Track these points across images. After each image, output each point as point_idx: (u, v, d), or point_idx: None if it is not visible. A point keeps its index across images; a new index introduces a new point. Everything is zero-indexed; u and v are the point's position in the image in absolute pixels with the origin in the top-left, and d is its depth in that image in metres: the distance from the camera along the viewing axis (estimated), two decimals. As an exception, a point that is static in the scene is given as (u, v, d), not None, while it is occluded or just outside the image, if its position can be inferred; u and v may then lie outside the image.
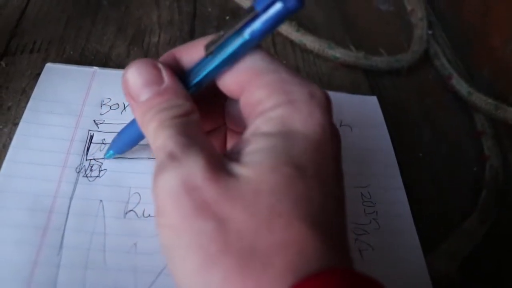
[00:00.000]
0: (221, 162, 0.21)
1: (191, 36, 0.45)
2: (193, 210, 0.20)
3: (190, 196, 0.20)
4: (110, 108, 0.37)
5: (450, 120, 0.47)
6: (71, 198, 0.32)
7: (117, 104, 0.37)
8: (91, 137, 0.35)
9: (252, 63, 0.24)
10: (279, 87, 0.23)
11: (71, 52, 0.41)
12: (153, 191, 0.21)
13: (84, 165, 0.33)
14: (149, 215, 0.32)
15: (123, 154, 0.34)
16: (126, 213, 0.32)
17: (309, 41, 0.46)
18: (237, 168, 0.21)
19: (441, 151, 0.43)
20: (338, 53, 0.46)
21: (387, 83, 0.47)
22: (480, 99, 0.46)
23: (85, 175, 0.33)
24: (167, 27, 0.46)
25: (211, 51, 0.24)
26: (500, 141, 0.45)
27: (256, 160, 0.21)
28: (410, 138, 0.43)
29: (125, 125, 0.31)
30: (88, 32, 0.43)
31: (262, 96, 0.23)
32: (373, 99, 0.43)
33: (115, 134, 0.35)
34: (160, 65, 0.25)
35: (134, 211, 0.32)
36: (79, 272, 0.29)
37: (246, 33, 0.22)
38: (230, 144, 0.31)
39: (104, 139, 0.35)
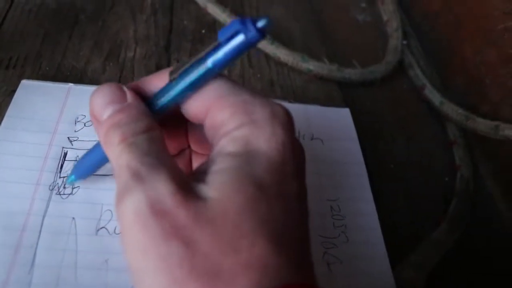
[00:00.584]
0: (188, 184, 0.21)
1: (167, 50, 0.46)
2: (161, 234, 0.20)
3: (158, 220, 0.20)
4: (85, 125, 0.38)
5: (423, 130, 0.48)
6: (44, 216, 0.32)
7: (91, 121, 0.38)
8: (65, 154, 0.36)
9: (214, 88, 0.24)
10: (242, 107, 0.23)
11: (47, 68, 0.41)
12: (117, 212, 0.21)
13: (58, 183, 0.34)
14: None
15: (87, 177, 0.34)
16: (98, 230, 0.32)
17: (283, 54, 0.47)
18: (204, 190, 0.21)
19: (413, 161, 0.44)
20: (311, 65, 0.46)
21: (361, 94, 0.48)
22: (451, 109, 0.46)
23: (58, 193, 0.33)
24: (143, 41, 0.46)
25: (174, 77, 0.25)
26: (471, 151, 0.46)
27: (221, 180, 0.21)
28: (383, 149, 0.44)
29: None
30: (65, 47, 0.44)
31: (225, 118, 0.23)
32: (346, 111, 0.44)
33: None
34: (125, 88, 0.25)
35: (106, 228, 0.32)
36: (50, 290, 0.29)
37: (209, 62, 0.23)
38: (195, 166, 0.31)
39: (78, 156, 0.36)
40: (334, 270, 0.34)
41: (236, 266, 0.19)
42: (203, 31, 0.49)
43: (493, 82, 0.45)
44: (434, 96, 0.48)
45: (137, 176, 0.21)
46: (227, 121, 0.23)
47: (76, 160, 0.35)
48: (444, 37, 0.52)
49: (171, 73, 0.25)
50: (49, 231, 0.32)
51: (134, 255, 0.21)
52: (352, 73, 0.47)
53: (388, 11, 0.56)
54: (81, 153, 0.36)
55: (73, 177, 0.33)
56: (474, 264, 0.39)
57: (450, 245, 0.39)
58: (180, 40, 0.47)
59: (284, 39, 0.50)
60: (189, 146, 0.31)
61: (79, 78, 0.41)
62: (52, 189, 0.34)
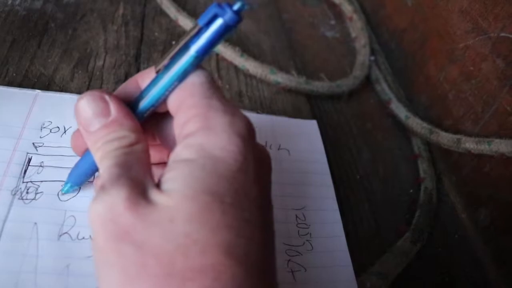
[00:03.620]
0: (144, 191, 0.22)
1: (137, 60, 0.46)
2: (115, 234, 0.21)
3: (112, 223, 0.21)
4: (50, 131, 0.37)
5: (389, 143, 0.49)
6: (4, 221, 0.32)
7: (58, 127, 0.38)
8: (29, 159, 0.35)
9: (191, 85, 0.25)
10: (203, 112, 0.24)
11: (14, 74, 0.41)
12: (88, 214, 0.23)
13: (20, 188, 0.33)
14: (83, 238, 0.32)
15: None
16: (60, 236, 0.32)
17: (252, 66, 0.47)
18: (156, 196, 0.22)
19: (378, 173, 0.45)
20: (280, 78, 0.47)
21: (329, 107, 0.49)
22: (416, 124, 0.48)
23: (20, 198, 0.33)
24: (113, 51, 0.46)
25: (159, 69, 0.25)
26: (435, 164, 0.48)
27: (174, 187, 0.22)
28: (349, 160, 0.45)
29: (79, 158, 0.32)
30: (33, 54, 0.43)
31: (186, 119, 0.24)
32: (313, 123, 0.45)
33: (54, 157, 0.36)
34: (107, 98, 0.26)
35: (69, 234, 0.32)
36: (8, 295, 0.29)
37: (192, 50, 0.24)
38: None
39: (43, 162, 0.35)
40: (298, 278, 0.34)
41: (187, 271, 0.20)
42: (174, 42, 0.49)
43: (455, 98, 0.46)
44: (399, 110, 0.50)
45: (102, 186, 0.23)
46: (187, 123, 0.24)
47: (40, 166, 0.35)
48: (410, 54, 0.54)
49: (156, 66, 0.26)
50: (10, 235, 0.31)
51: (96, 254, 0.22)
52: (320, 86, 0.48)
53: (356, 28, 0.57)
54: (46, 159, 0.35)
55: (69, 185, 0.33)
56: (435, 272, 0.39)
57: (413, 254, 0.39)
58: (150, 50, 0.48)
59: (254, 52, 0.51)
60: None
61: (47, 85, 0.41)
62: (15, 194, 0.33)
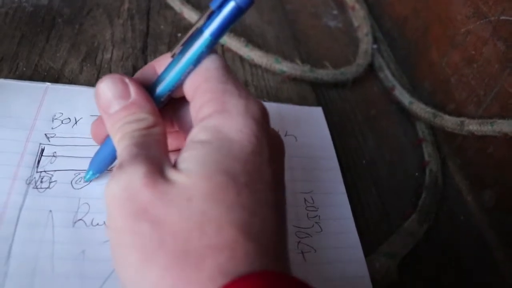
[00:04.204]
0: (161, 169, 0.23)
1: (143, 52, 0.47)
2: (132, 213, 0.22)
3: (130, 201, 0.22)
4: (62, 122, 0.38)
5: (393, 129, 0.49)
6: (20, 209, 0.32)
7: (69, 118, 0.38)
8: (42, 150, 0.36)
9: (206, 69, 0.25)
10: (218, 96, 0.24)
11: (24, 69, 0.42)
12: (104, 195, 0.23)
13: (35, 177, 0.34)
14: (98, 224, 0.33)
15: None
16: (75, 222, 0.33)
17: (257, 56, 0.48)
18: (174, 175, 0.22)
19: (384, 158, 0.46)
20: (285, 67, 0.48)
21: (333, 94, 0.50)
22: (420, 108, 0.48)
23: (35, 187, 0.34)
24: (120, 44, 0.47)
25: (175, 53, 0.26)
26: (439, 147, 0.48)
27: (191, 167, 0.22)
28: (355, 146, 0.46)
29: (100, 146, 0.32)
30: (42, 49, 0.44)
31: (202, 103, 0.25)
32: (318, 110, 0.45)
33: (67, 147, 0.36)
34: (127, 80, 0.27)
35: (83, 220, 0.33)
36: (27, 280, 0.29)
37: (207, 33, 0.24)
38: None
39: (55, 152, 0.36)
40: (308, 258, 0.35)
41: (204, 248, 0.21)
42: (179, 34, 0.50)
43: (458, 82, 0.47)
44: (403, 96, 0.50)
45: (120, 165, 0.23)
46: (203, 107, 0.25)
47: (53, 156, 0.36)
48: (412, 41, 0.55)
49: (172, 51, 0.26)
50: (26, 223, 0.32)
51: (112, 233, 0.23)
52: (324, 74, 0.49)
53: (358, 17, 0.58)
54: (58, 149, 0.36)
55: (91, 172, 0.34)
56: (442, 253, 0.40)
57: (420, 235, 0.40)
58: (157, 43, 0.48)
59: (258, 43, 0.52)
60: None
61: (56, 78, 0.42)
62: (29, 183, 0.34)
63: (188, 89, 0.26)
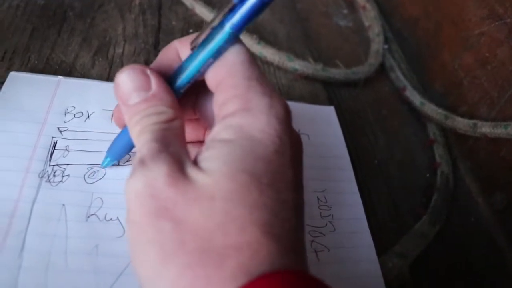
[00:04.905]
0: (183, 168, 0.23)
1: (155, 48, 0.47)
2: (154, 211, 0.21)
3: (152, 199, 0.22)
4: (74, 116, 0.38)
5: (404, 129, 0.49)
6: (33, 203, 0.32)
7: (81, 112, 0.38)
8: (55, 144, 0.36)
9: (231, 64, 0.25)
10: (242, 93, 0.24)
11: (36, 62, 0.41)
12: (125, 191, 0.23)
13: (47, 171, 0.34)
14: (111, 219, 0.33)
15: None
16: (88, 217, 0.32)
17: (270, 54, 0.48)
18: (195, 173, 0.22)
19: (395, 158, 0.46)
20: (297, 65, 0.48)
21: (345, 94, 0.49)
22: (431, 109, 0.48)
23: (48, 181, 0.33)
24: (132, 39, 0.47)
25: (195, 46, 0.26)
26: (450, 149, 0.48)
27: (213, 166, 0.22)
28: (366, 146, 0.45)
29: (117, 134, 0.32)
30: (53, 42, 0.44)
31: (225, 99, 0.24)
32: (331, 109, 0.45)
33: (79, 141, 0.36)
34: (148, 72, 0.26)
35: (96, 215, 0.33)
36: (41, 274, 0.29)
37: (227, 27, 0.24)
38: None
39: (68, 145, 0.36)
40: (321, 258, 0.34)
41: (225, 248, 0.20)
42: (191, 30, 0.50)
43: (470, 84, 0.47)
44: (414, 97, 0.50)
45: (142, 161, 0.23)
46: (226, 104, 0.24)
47: (66, 149, 0.35)
48: (423, 42, 0.54)
49: (192, 42, 0.26)
50: (39, 217, 0.31)
51: (132, 229, 0.23)
52: (336, 73, 0.49)
53: (369, 17, 0.58)
54: (71, 143, 0.36)
55: (108, 159, 0.33)
56: (453, 254, 0.40)
57: (431, 236, 0.40)
58: (169, 38, 0.48)
59: (270, 41, 0.52)
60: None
61: (68, 72, 0.42)
62: (42, 176, 0.34)
63: (211, 81, 0.26)
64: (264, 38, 0.51)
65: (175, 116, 0.25)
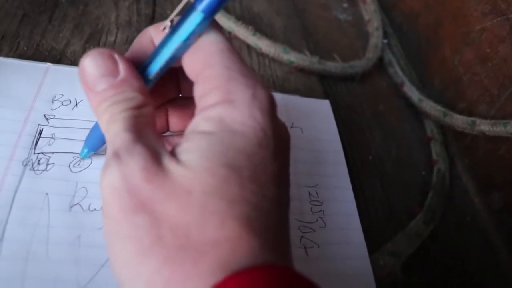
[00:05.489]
0: (160, 161, 0.22)
1: (149, 36, 0.46)
2: (131, 206, 0.21)
3: (129, 194, 0.21)
4: (62, 103, 0.37)
5: (401, 125, 0.48)
6: (15, 191, 0.31)
7: (69, 100, 0.37)
8: (41, 131, 0.35)
9: (209, 54, 0.24)
10: (223, 84, 0.23)
11: (25, 48, 0.41)
12: (99, 184, 0.22)
13: (32, 159, 0.33)
14: (95, 209, 0.32)
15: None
16: (71, 206, 0.32)
17: (265, 45, 0.47)
18: (173, 166, 0.21)
19: (391, 154, 0.45)
20: (293, 57, 0.47)
21: (341, 88, 0.48)
22: (429, 106, 0.47)
23: (32, 169, 0.33)
24: (125, 27, 0.46)
25: (165, 28, 0.25)
26: (448, 146, 0.47)
27: (192, 159, 0.21)
28: (362, 141, 0.45)
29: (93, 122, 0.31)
30: (44, 28, 0.43)
31: (205, 91, 0.23)
32: (326, 103, 0.44)
33: (66, 129, 0.35)
34: (116, 56, 0.25)
35: (80, 205, 0.32)
36: (19, 264, 0.28)
37: (199, 9, 0.23)
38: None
39: (54, 133, 0.35)
40: (311, 254, 0.34)
41: (203, 243, 0.20)
42: (186, 20, 0.49)
43: (470, 81, 0.46)
44: (412, 93, 0.49)
45: (116, 154, 0.22)
46: (207, 95, 0.23)
47: (52, 137, 0.35)
48: (424, 37, 0.53)
49: (164, 26, 0.25)
50: (21, 206, 0.31)
51: (108, 223, 0.22)
52: (333, 66, 0.48)
53: (369, 11, 0.57)
54: (57, 131, 0.35)
55: (86, 150, 0.32)
56: (447, 253, 0.39)
57: (426, 235, 0.39)
58: (162, 28, 0.47)
59: (266, 32, 0.51)
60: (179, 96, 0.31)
61: (58, 59, 0.41)
62: (26, 164, 0.33)
63: (190, 72, 0.25)
64: (261, 29, 0.50)
65: (145, 102, 0.24)
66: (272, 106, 0.23)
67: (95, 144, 0.32)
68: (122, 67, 0.25)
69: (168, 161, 0.22)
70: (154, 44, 0.26)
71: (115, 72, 0.25)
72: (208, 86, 0.23)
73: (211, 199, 0.20)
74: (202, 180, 0.21)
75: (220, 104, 0.22)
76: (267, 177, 0.22)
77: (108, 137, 0.24)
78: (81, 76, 0.25)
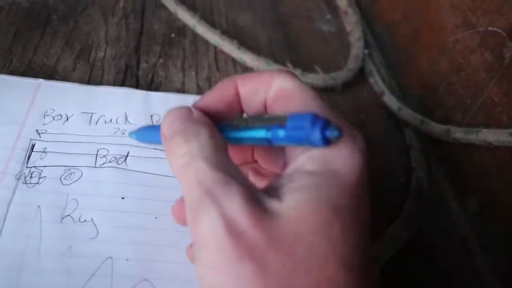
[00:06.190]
0: (260, 200, 0.21)
1: (137, 51, 0.47)
2: (235, 254, 0.20)
3: (233, 240, 0.20)
4: (53, 118, 0.39)
5: (382, 134, 0.50)
6: (9, 204, 0.33)
7: (60, 115, 0.39)
8: (33, 146, 0.37)
9: (302, 100, 0.25)
10: None
11: (18, 64, 0.42)
12: (192, 229, 0.22)
13: (24, 172, 0.35)
14: (85, 220, 0.33)
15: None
16: (63, 218, 0.33)
17: (249, 59, 0.48)
18: (278, 207, 0.21)
19: (372, 164, 0.46)
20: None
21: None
22: (408, 115, 0.49)
23: (24, 182, 0.34)
24: (114, 42, 0.47)
25: (239, 125, 0.25)
26: (426, 154, 0.49)
27: (298, 199, 0.21)
28: (343, 151, 0.46)
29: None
30: (36, 45, 0.45)
31: None
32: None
33: (57, 143, 0.37)
34: (193, 109, 0.26)
35: (71, 216, 0.33)
36: (13, 275, 0.30)
37: (269, 134, 0.23)
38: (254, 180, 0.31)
39: (46, 148, 0.37)
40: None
41: (308, 286, 0.20)
42: (173, 35, 0.51)
43: (446, 90, 0.48)
44: (392, 102, 0.51)
45: (210, 194, 0.21)
46: None
47: (44, 152, 0.36)
48: (403, 47, 0.55)
49: (238, 120, 0.26)
50: (14, 218, 0.32)
51: (207, 271, 0.21)
52: (314, 78, 0.49)
53: (351, 22, 0.58)
54: (49, 145, 0.37)
55: (134, 135, 0.32)
56: (425, 259, 0.41)
57: (404, 239, 0.41)
58: (150, 42, 0.49)
59: (251, 45, 0.52)
60: (253, 161, 0.31)
61: (50, 74, 0.42)
62: (19, 178, 0.34)
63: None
64: (245, 42, 0.52)
65: (217, 133, 0.25)
66: (365, 145, 0.24)
67: (146, 138, 0.31)
68: (195, 112, 0.26)
69: (270, 202, 0.21)
70: (240, 95, 0.27)
71: (189, 114, 0.25)
72: None
73: (317, 240, 0.20)
74: (309, 220, 0.21)
75: None
76: (363, 215, 0.23)
77: (189, 177, 0.23)
78: (161, 131, 0.26)
